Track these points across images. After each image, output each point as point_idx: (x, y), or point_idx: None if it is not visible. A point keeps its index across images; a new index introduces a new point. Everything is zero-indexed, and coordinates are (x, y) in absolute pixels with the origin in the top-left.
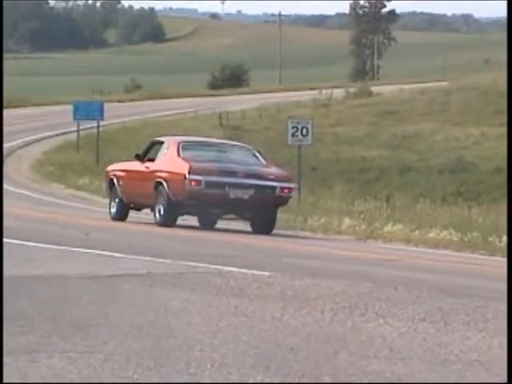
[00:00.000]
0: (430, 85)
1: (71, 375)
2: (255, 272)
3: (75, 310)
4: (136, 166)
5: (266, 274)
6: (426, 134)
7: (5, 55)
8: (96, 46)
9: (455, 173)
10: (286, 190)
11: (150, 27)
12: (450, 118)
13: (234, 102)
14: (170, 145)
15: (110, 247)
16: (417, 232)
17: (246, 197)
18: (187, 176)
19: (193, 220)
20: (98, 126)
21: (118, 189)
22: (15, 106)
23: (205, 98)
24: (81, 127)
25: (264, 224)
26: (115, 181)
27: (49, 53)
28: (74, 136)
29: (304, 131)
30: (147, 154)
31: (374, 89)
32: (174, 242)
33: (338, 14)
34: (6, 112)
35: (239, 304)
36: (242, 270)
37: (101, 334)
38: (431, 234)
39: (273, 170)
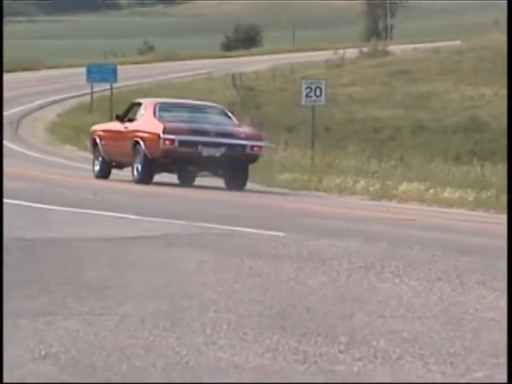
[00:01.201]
0: (442, 44)
1: (87, 337)
2: (270, 232)
3: (91, 273)
4: (116, 126)
5: (281, 234)
6: (439, 93)
7: (17, 18)
8: (108, 9)
9: (469, 132)
10: (255, 148)
11: None
12: (462, 77)
13: (248, 63)
14: (147, 106)
15: (124, 209)
16: (431, 191)
17: (217, 155)
18: (161, 135)
19: (172, 177)
20: (112, 88)
21: (101, 148)
22: (29, 69)
23: (218, 60)
24: (94, 89)
25: (236, 180)
26: (98, 140)
27: (61, 15)
28: (87, 98)
29: (318, 91)
30: (127, 114)
31: (387, 49)
32: (188, 204)
33: None
34: (19, 75)
35: (254, 265)
36: (257, 231)
37: (116, 295)
38: (445, 194)
39: (244, 129)
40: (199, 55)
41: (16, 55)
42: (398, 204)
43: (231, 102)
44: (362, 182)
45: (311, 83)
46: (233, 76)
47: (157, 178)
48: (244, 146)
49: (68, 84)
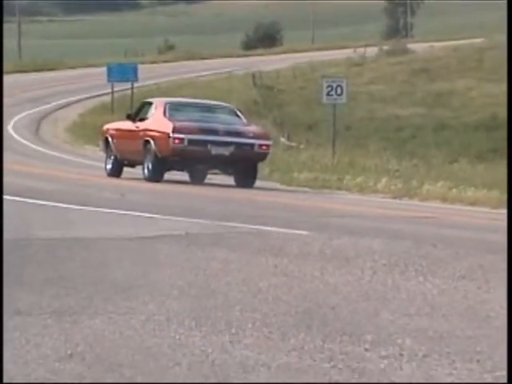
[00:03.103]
0: (463, 42)
1: (113, 336)
2: (293, 231)
3: (116, 272)
4: (128, 125)
5: (305, 233)
6: (460, 91)
7: (39, 18)
8: (129, 8)
9: (490, 130)
10: (263, 147)
11: None
12: (484, 75)
13: (268, 62)
14: (157, 105)
15: (147, 208)
16: (453, 190)
17: (226, 153)
18: (171, 134)
19: (182, 175)
20: (132, 88)
21: (113, 147)
22: (50, 69)
23: (238, 58)
24: (115, 89)
25: (246, 178)
26: (110, 139)
27: (82, 15)
28: (108, 98)
29: (338, 90)
30: (138, 114)
31: (408, 47)
32: (209, 203)
33: None
34: (41, 75)
35: (278, 263)
36: (281, 230)
37: (141, 295)
38: (468, 193)
39: (252, 128)
40: (219, 54)
41: (37, 55)
42: (421, 202)
43: (252, 101)
44: (384, 181)
45: (332, 81)
46: (253, 75)
47: (171, 176)
48: (252, 145)
49: (89, 84)
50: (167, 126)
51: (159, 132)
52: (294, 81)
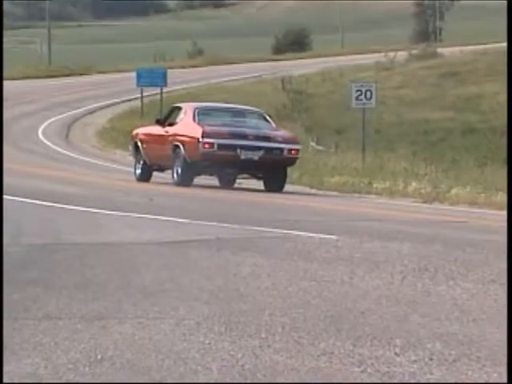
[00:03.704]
0: (491, 46)
1: (142, 341)
2: (323, 236)
3: (145, 276)
4: (157, 130)
5: (334, 237)
6: (489, 95)
7: (69, 23)
8: (157, 12)
9: None
10: (293, 152)
11: None
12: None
13: (297, 66)
14: (186, 110)
15: (176, 213)
16: (483, 195)
17: (255, 158)
18: (200, 139)
19: (212, 179)
20: (162, 93)
21: (142, 151)
22: (80, 74)
23: (268, 63)
24: (145, 94)
25: (275, 183)
26: (139, 144)
27: (111, 20)
28: (138, 103)
29: (368, 94)
30: (168, 118)
31: (437, 51)
32: (238, 207)
33: None
34: (71, 80)
35: (308, 268)
36: (310, 234)
37: (171, 299)
38: (497, 197)
39: (281, 133)
40: (249, 58)
41: (67, 60)
42: (450, 207)
43: (281, 105)
44: (413, 185)
45: (361, 86)
46: (282, 79)
47: (200, 180)
48: (282, 150)
49: (118, 89)
50: (197, 131)
51: (189, 137)
52: (323, 85)
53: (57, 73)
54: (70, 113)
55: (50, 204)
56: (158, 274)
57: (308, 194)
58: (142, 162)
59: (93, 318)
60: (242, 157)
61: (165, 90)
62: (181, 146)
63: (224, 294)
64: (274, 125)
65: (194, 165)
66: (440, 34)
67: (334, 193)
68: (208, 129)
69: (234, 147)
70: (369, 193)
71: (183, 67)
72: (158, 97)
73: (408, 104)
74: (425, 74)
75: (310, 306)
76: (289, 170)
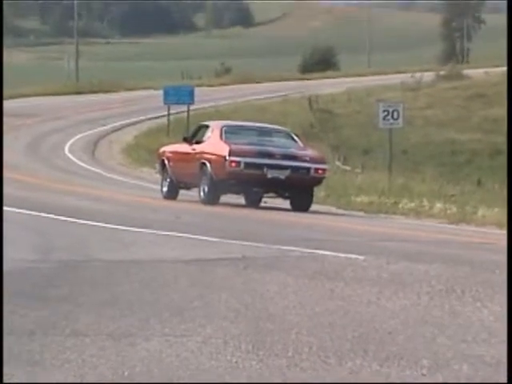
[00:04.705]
0: None
1: (169, 358)
2: (349, 255)
3: (172, 294)
4: (184, 148)
5: (361, 257)
6: None
7: (97, 40)
8: (185, 30)
9: None
10: (319, 171)
11: (238, 11)
12: None
13: (324, 86)
14: (214, 128)
15: (202, 231)
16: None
17: (282, 177)
18: (227, 157)
19: (238, 198)
20: (189, 110)
21: (169, 169)
22: (107, 91)
23: (295, 82)
24: (172, 111)
25: (301, 202)
26: (166, 162)
27: (138, 38)
28: (164, 120)
29: (395, 114)
30: (195, 136)
31: (464, 72)
32: (265, 226)
33: None
34: (98, 97)
35: (335, 288)
36: (337, 254)
37: (198, 317)
38: None
39: (308, 152)
40: (276, 77)
41: (94, 77)
42: (477, 228)
43: (308, 125)
44: (440, 206)
45: (388, 106)
46: (309, 98)
47: (226, 199)
48: (308, 169)
49: (145, 106)
50: (223, 149)
51: (215, 155)
52: (350, 105)
53: (84, 89)
54: (96, 130)
55: (77, 221)
56: (185, 291)
57: (334, 214)
58: (168, 180)
59: (120, 335)
60: (269, 176)
61: (192, 107)
62: (207, 164)
63: (251, 312)
64: (301, 144)
65: (221, 183)
66: (467, 55)
67: (360, 213)
68: (235, 147)
69: (260, 166)
70: (395, 213)
71: (211, 85)
72: (185, 114)
73: (435, 125)
74: (452, 95)
75: (336, 325)
76: (315, 189)
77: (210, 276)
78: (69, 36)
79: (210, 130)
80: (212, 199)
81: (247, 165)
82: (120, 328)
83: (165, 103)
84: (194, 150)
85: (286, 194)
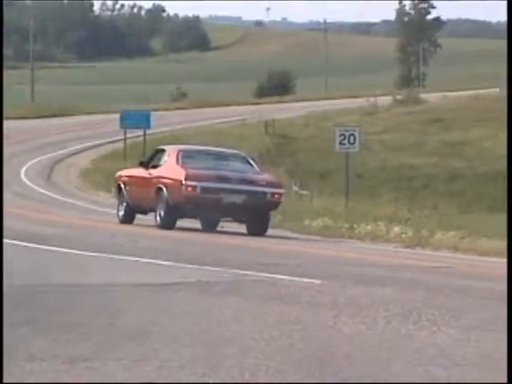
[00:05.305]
0: (477, 92)
1: (126, 382)
2: (306, 280)
3: (128, 319)
4: (141, 172)
5: (317, 281)
6: (474, 141)
7: (53, 64)
8: (142, 55)
9: (504, 180)
10: (276, 196)
11: (195, 35)
12: (495, 125)
13: (281, 110)
14: (170, 153)
15: (159, 255)
16: (466, 240)
17: (239, 201)
18: (183, 182)
19: (194, 222)
20: (145, 135)
21: (125, 193)
22: (64, 115)
23: (251, 106)
24: (129, 135)
25: (258, 226)
26: (122, 186)
27: (95, 62)
28: (121, 145)
29: (351, 139)
30: (151, 161)
31: (421, 96)
32: (221, 250)
33: (383, 21)
34: (55, 120)
35: (291, 312)
36: (293, 278)
37: (154, 341)
38: (480, 242)
39: (264, 177)
40: (232, 102)
41: (50, 101)
42: (433, 252)
43: (265, 149)
44: (396, 230)
45: (345, 130)
46: (265, 123)
47: (182, 223)
48: (265, 193)
49: (102, 130)
50: (180, 174)
51: (172, 179)
52: (307, 129)
53: (41, 113)
54: (52, 154)
55: (33, 245)
56: (141, 316)
57: (290, 238)
58: (124, 204)
59: (77, 359)
60: (225, 200)
61: (148, 132)
62: (164, 189)
63: (207, 336)
64: (257, 168)
65: (177, 207)
66: (424, 79)
67: (317, 237)
68: (191, 171)
69: (217, 190)
70: (351, 237)
71: (167, 109)
72: (141, 139)
73: (392, 149)
74: (408, 120)
75: (293, 349)
76: (271, 213)
77: (165, 300)
78: (26, 60)
79: (166, 154)
80: (168, 223)
81: (204, 189)
82: (76, 352)
83: (121, 127)
84: (150, 174)
85: (243, 218)
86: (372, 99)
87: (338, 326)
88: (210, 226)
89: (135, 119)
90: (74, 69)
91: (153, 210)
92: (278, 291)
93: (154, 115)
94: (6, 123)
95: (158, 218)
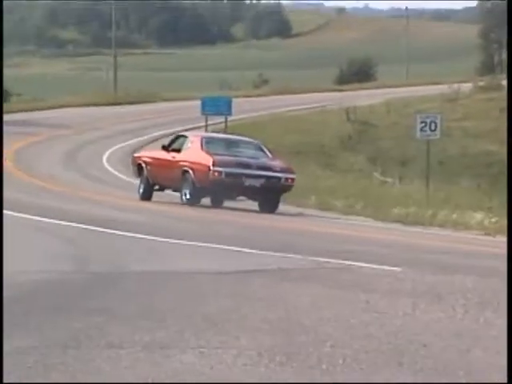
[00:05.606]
0: None
1: (203, 370)
2: (385, 267)
3: (207, 306)
4: (163, 154)
5: (397, 269)
6: None
7: (134, 51)
8: (223, 41)
9: None
10: (289, 180)
11: (276, 22)
12: None
13: (362, 97)
14: (193, 139)
15: (236, 242)
16: None
17: (257, 185)
18: (211, 168)
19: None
20: (226, 121)
21: (147, 173)
22: (145, 102)
23: (332, 93)
24: (209, 122)
25: (270, 206)
26: (143, 165)
27: (176, 48)
28: (202, 131)
29: (432, 126)
30: (171, 145)
31: (502, 83)
32: (300, 237)
33: (465, 8)
34: (136, 107)
35: (370, 300)
36: (372, 266)
37: (233, 329)
38: None
39: (278, 163)
40: (313, 89)
41: (132, 88)
42: None
43: (346, 136)
44: (478, 217)
45: (426, 117)
46: (347, 110)
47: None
48: (280, 178)
49: (182, 116)
50: (207, 160)
51: (199, 164)
52: (388, 116)
53: (122, 100)
54: (133, 140)
55: (112, 231)
56: (220, 303)
57: (371, 226)
58: (144, 182)
59: (154, 347)
60: (246, 184)
61: (230, 118)
62: (190, 172)
63: (285, 324)
64: (270, 155)
65: (203, 189)
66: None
67: (397, 224)
68: (217, 158)
69: (239, 175)
70: (432, 224)
71: (248, 96)
72: (223, 125)
73: (472, 136)
74: (489, 107)
75: (371, 337)
76: (353, 200)
77: (245, 288)
78: (107, 47)
79: (188, 140)
80: (194, 202)
81: (228, 174)
82: (154, 340)
83: (202, 114)
84: (173, 157)
85: (257, 199)
86: (455, 85)
87: (416, 314)
88: (217, 203)
89: (216, 106)
90: (155, 55)
91: (174, 188)
92: (357, 279)
93: (235, 102)
94: (87, 110)
95: (183, 197)
